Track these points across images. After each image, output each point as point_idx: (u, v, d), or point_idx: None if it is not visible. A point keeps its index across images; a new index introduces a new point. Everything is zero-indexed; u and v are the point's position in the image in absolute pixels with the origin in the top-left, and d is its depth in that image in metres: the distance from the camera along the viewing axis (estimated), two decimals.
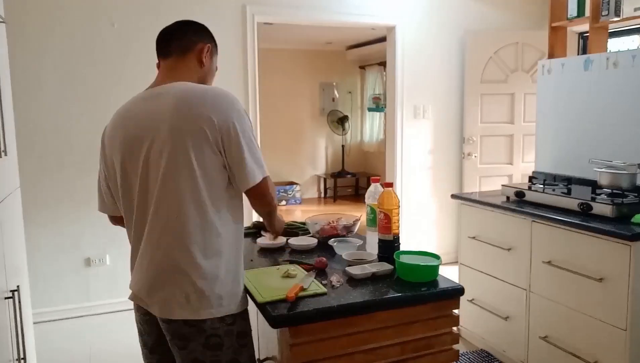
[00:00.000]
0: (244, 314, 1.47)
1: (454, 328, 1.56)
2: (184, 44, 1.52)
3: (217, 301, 1.39)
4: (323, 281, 1.55)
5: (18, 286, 2.01)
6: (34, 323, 2.74)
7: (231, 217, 1.44)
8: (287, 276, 1.60)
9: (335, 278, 1.57)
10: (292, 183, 8.08)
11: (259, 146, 1.48)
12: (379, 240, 1.73)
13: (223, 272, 1.40)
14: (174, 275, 1.37)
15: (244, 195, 1.47)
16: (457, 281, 2.36)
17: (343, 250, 1.83)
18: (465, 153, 4.69)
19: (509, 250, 2.74)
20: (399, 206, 1.72)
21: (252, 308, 1.62)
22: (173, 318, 1.38)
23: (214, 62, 1.60)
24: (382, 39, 5.65)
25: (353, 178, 8.58)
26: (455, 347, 1.56)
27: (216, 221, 1.39)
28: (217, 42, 1.61)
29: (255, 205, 1.50)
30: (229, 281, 1.42)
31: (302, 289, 1.46)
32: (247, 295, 1.51)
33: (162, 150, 1.37)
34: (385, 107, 6.10)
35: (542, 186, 2.82)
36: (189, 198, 1.37)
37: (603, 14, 2.99)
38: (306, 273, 1.63)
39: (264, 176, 1.42)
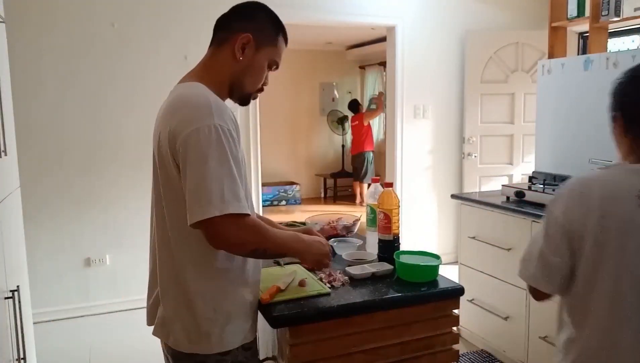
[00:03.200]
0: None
1: (454, 328, 1.55)
2: (223, 33, 1.33)
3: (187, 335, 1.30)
4: (323, 280, 1.55)
5: (18, 286, 2.01)
6: (34, 323, 2.73)
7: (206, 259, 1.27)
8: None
9: (338, 278, 1.56)
10: (292, 183, 8.09)
11: (232, 170, 1.19)
12: (379, 240, 1.73)
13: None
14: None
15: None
16: (457, 281, 2.35)
17: (343, 250, 1.83)
18: (465, 153, 4.69)
19: (509, 250, 2.74)
20: (399, 206, 1.72)
21: None
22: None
23: (260, 56, 1.34)
24: (382, 39, 5.65)
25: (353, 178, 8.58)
26: (455, 347, 1.56)
27: (185, 266, 1.28)
28: None
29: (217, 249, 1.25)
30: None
31: (280, 290, 1.44)
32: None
33: (154, 168, 1.33)
34: (385, 107, 6.10)
35: (542, 186, 2.82)
36: (162, 229, 1.30)
37: (603, 14, 2.99)
38: (309, 274, 1.62)
39: (211, 216, 1.15)
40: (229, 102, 1.37)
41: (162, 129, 1.25)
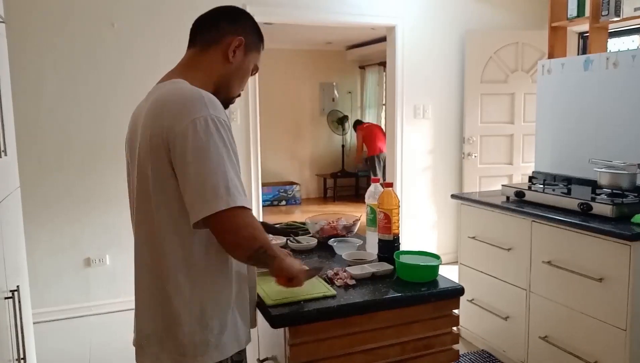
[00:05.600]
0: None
1: (454, 328, 1.55)
2: (211, 34, 1.31)
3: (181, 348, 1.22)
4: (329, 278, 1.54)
5: (18, 286, 2.01)
6: (34, 323, 2.74)
7: (208, 256, 1.21)
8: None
9: (342, 277, 1.56)
10: (292, 183, 8.08)
11: (236, 165, 1.16)
12: (379, 240, 1.73)
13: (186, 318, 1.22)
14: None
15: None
16: (457, 281, 2.36)
17: (343, 250, 1.83)
18: (465, 153, 4.69)
19: (509, 250, 2.74)
20: (399, 206, 1.72)
21: None
22: None
23: (248, 60, 1.35)
24: (382, 39, 5.65)
25: (353, 178, 8.58)
26: (455, 347, 1.56)
27: (178, 265, 1.20)
28: None
29: (225, 248, 1.17)
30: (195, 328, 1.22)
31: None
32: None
33: (134, 168, 1.25)
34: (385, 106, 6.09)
35: (542, 186, 2.82)
36: (147, 234, 1.22)
37: (603, 14, 2.99)
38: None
39: (219, 209, 1.09)
40: None
41: (147, 129, 1.19)
